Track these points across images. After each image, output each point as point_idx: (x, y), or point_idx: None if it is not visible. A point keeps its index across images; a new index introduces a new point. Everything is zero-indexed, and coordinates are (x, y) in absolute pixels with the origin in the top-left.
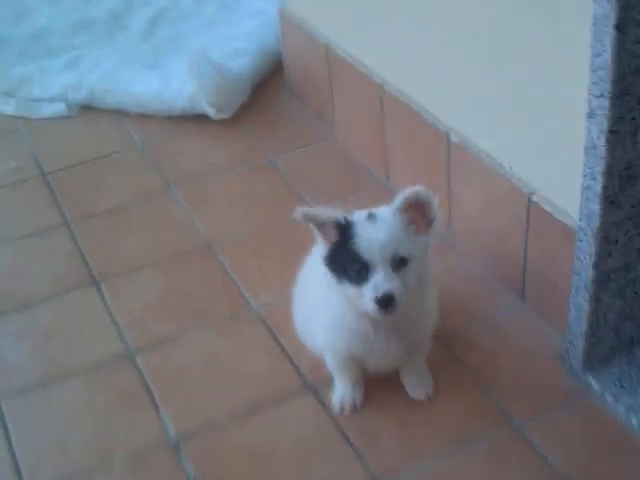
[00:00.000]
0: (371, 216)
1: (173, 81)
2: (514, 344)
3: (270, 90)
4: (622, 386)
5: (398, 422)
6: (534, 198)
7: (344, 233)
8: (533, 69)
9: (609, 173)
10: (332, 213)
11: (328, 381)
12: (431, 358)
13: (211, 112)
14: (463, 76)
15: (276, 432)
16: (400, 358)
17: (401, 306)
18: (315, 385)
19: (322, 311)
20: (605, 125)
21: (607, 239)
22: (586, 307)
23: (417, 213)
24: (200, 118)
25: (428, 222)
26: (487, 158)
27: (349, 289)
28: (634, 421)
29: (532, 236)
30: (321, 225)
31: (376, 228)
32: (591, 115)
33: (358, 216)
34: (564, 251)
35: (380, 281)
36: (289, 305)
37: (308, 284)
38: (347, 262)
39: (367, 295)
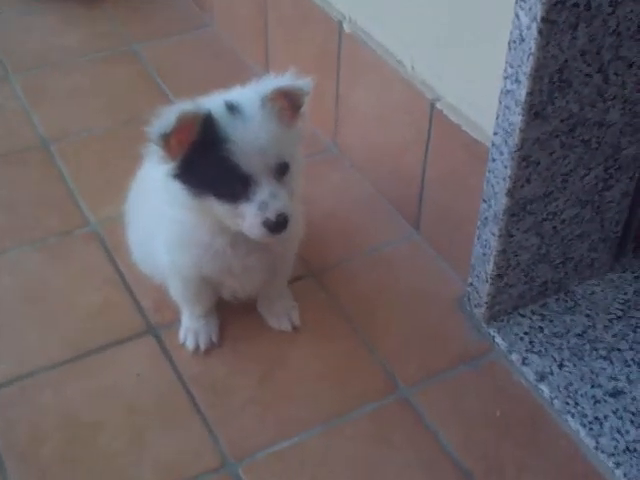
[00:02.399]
0: (233, 108)
1: None
2: (403, 284)
3: None
4: (531, 343)
5: (258, 377)
6: (438, 105)
7: (204, 133)
8: None
9: (538, 75)
10: (185, 109)
11: (175, 325)
12: (300, 296)
13: None
14: None
15: (104, 391)
16: (261, 279)
17: (291, 225)
18: (158, 326)
19: (163, 226)
20: (539, 11)
21: (527, 160)
22: (494, 243)
23: (286, 102)
24: None
25: (296, 108)
26: (385, 54)
27: (217, 207)
28: (544, 389)
29: (433, 152)
30: (173, 132)
31: (249, 127)
32: None
33: (213, 106)
34: (472, 173)
35: (267, 198)
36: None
37: (142, 196)
38: (214, 174)
39: (251, 217)
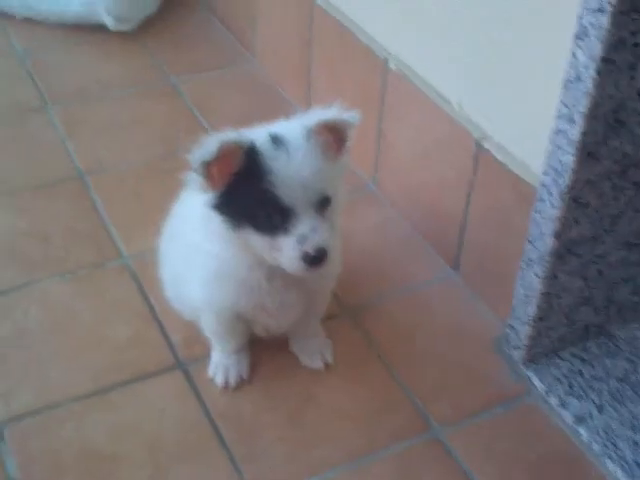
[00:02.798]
0: (277, 140)
1: None
2: (440, 324)
3: (184, 4)
4: (571, 387)
5: (287, 415)
6: (485, 144)
7: (247, 164)
8: None
9: (593, 115)
10: (228, 138)
11: (204, 360)
12: (335, 333)
13: (109, 21)
14: None
15: (127, 425)
16: (296, 316)
17: (331, 261)
18: (187, 362)
19: (199, 260)
20: (599, 50)
21: (577, 201)
22: (537, 285)
23: (332, 136)
24: (96, 28)
25: (341, 142)
26: (431, 92)
27: (255, 239)
28: (583, 433)
29: (477, 192)
30: (215, 161)
31: (292, 159)
32: (581, 36)
33: (257, 138)
34: (517, 213)
35: (308, 232)
36: None
37: (178, 230)
38: (255, 205)
39: (290, 250)
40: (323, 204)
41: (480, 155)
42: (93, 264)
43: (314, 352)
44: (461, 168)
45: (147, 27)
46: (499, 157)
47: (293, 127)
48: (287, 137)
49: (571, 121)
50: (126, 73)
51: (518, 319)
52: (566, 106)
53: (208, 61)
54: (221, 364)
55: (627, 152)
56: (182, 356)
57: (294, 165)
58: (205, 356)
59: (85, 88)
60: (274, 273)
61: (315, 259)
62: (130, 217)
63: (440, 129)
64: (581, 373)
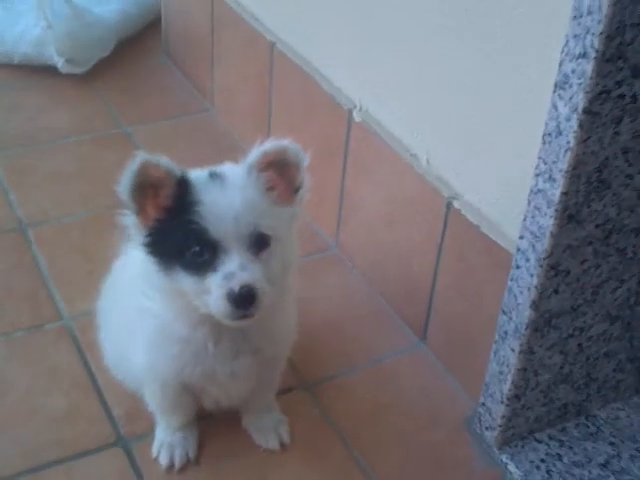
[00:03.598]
0: (215, 175)
1: (17, 19)
2: (406, 401)
3: (141, 50)
4: (549, 473)
5: None
6: (455, 204)
7: (178, 198)
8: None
9: (575, 173)
10: (151, 157)
11: (148, 437)
12: (292, 409)
13: (59, 63)
14: (368, 37)
15: None
16: (248, 388)
17: (263, 306)
18: (129, 439)
19: (138, 323)
20: (581, 101)
21: (556, 268)
22: (513, 360)
23: (277, 176)
24: (46, 70)
25: (292, 189)
26: (397, 146)
27: (185, 281)
28: None
29: (447, 256)
30: (148, 190)
31: (225, 192)
32: (562, 85)
33: (195, 175)
34: (491, 281)
35: (235, 268)
36: None
37: (117, 291)
38: (183, 240)
39: (216, 289)
40: (258, 243)
41: (450, 216)
42: (30, 326)
43: (269, 430)
44: (430, 230)
45: (100, 70)
46: (471, 218)
47: (237, 167)
48: (226, 173)
49: (551, 179)
50: (76, 119)
51: (491, 397)
52: (545, 162)
53: (163, 109)
54: (166, 442)
55: (610, 216)
56: (124, 432)
57: (226, 196)
58: (149, 432)
59: (32, 134)
60: (220, 334)
61: (240, 298)
62: (73, 274)
63: (407, 187)
64: (560, 457)
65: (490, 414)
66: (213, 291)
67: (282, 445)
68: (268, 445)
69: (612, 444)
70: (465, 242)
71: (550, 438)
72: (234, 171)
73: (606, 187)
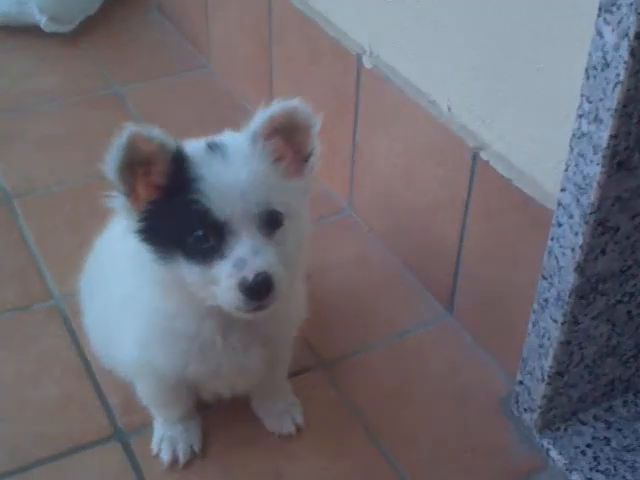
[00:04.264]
0: (215, 146)
1: None
2: (432, 380)
3: (131, 4)
4: (596, 459)
5: None
6: (483, 156)
7: (176, 175)
8: None
9: (626, 112)
10: (140, 129)
11: (148, 429)
12: (307, 392)
13: (42, 21)
14: None
15: None
16: (257, 379)
17: (280, 295)
18: (127, 431)
19: (128, 314)
20: (632, 24)
21: (604, 226)
22: (555, 332)
23: (285, 144)
24: (30, 31)
25: (302, 158)
26: (414, 93)
27: (187, 271)
28: None
29: (475, 215)
30: (140, 167)
31: (229, 165)
32: (608, 7)
33: (192, 147)
34: (527, 242)
35: (246, 253)
36: None
37: (100, 273)
38: (183, 224)
39: (225, 279)
40: (270, 223)
41: (477, 169)
42: (16, 306)
43: (282, 414)
44: (454, 186)
45: (88, 28)
46: (501, 171)
47: (240, 136)
48: (227, 143)
49: (597, 120)
50: (64, 81)
51: (530, 374)
52: (590, 101)
53: (157, 67)
54: (166, 436)
55: None
56: (121, 424)
57: (230, 170)
58: (148, 423)
59: (17, 98)
60: (230, 326)
61: (256, 288)
62: (63, 248)
63: (427, 138)
64: (608, 441)
65: (529, 394)
66: (222, 281)
67: (297, 431)
68: (282, 430)
69: None
70: (495, 198)
71: (596, 419)
72: (236, 140)
73: None
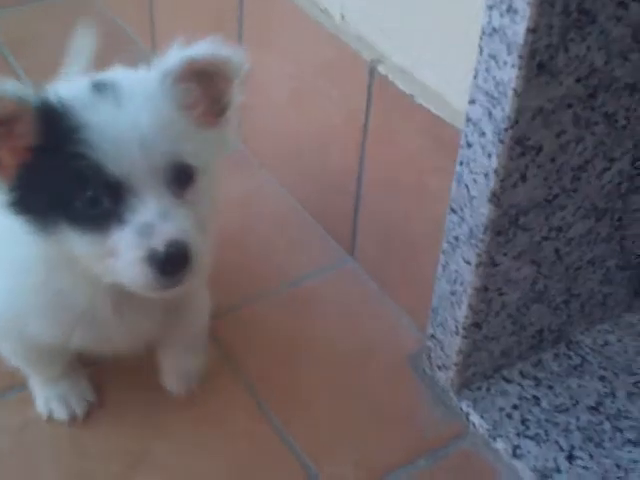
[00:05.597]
0: (103, 86)
1: None
2: (331, 334)
3: None
4: (524, 423)
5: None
6: (381, 69)
7: (47, 129)
8: None
9: (547, 1)
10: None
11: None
12: None
13: None
14: None
15: None
16: (156, 337)
17: (198, 267)
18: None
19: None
20: None
21: (523, 144)
22: (469, 276)
23: (200, 90)
24: None
25: (217, 108)
26: (304, 2)
27: (76, 243)
28: None
29: (374, 140)
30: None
31: (124, 108)
32: None
33: (70, 90)
34: (433, 170)
35: (153, 217)
36: None
37: None
38: (67, 185)
39: (127, 250)
40: (180, 179)
41: (375, 85)
42: None
43: (180, 372)
44: (351, 106)
45: None
46: (402, 86)
47: (138, 73)
48: (121, 82)
49: (511, 11)
50: None
51: (442, 326)
52: None
53: None
54: (52, 395)
55: (596, 64)
56: None
57: (126, 113)
58: (11, 387)
59: None
60: (127, 300)
61: (169, 261)
62: None
63: (318, 53)
64: (537, 401)
65: (442, 348)
66: (123, 253)
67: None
68: (173, 389)
69: (603, 378)
70: (396, 119)
71: (523, 376)
72: (133, 79)
73: (590, 21)
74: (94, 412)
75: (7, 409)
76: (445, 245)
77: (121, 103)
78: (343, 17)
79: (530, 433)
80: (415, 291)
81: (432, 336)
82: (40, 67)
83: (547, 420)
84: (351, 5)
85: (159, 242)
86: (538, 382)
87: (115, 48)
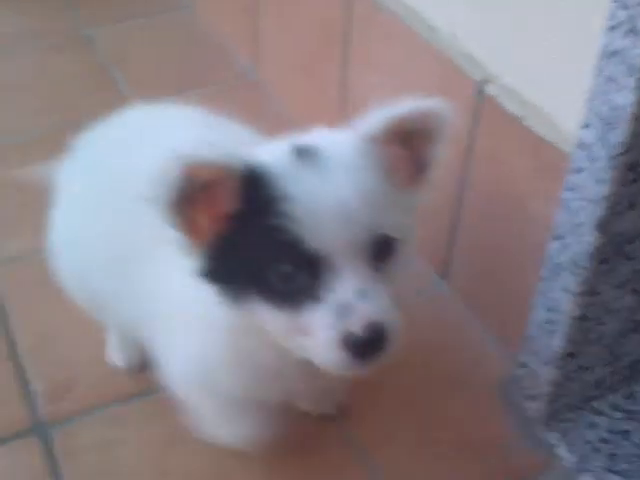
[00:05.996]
0: (305, 153)
1: None
2: (416, 359)
3: None
4: (613, 458)
5: None
6: (489, 90)
7: (248, 196)
8: None
9: None
10: (197, 156)
11: (74, 421)
12: None
13: None
14: None
15: None
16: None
17: (393, 349)
18: (50, 423)
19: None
20: None
21: (636, 171)
22: (569, 305)
23: (402, 149)
24: None
25: (419, 167)
26: (413, 19)
27: (268, 317)
28: None
29: (478, 161)
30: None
31: (328, 178)
32: None
33: (271, 155)
34: (536, 193)
35: (352, 297)
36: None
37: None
38: (264, 257)
39: (323, 330)
40: (382, 252)
41: (483, 106)
42: None
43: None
44: (455, 127)
45: None
46: (510, 107)
47: (339, 136)
48: (322, 147)
49: (633, 33)
50: (26, 23)
51: (535, 355)
52: (626, 7)
53: (132, 7)
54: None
55: None
56: (43, 414)
57: (330, 184)
58: (75, 415)
59: None
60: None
61: (366, 344)
62: (6, 209)
63: (425, 70)
64: (627, 436)
65: (534, 378)
66: (317, 333)
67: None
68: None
69: None
70: (503, 141)
71: (613, 408)
72: (336, 143)
73: None
74: None
75: None
76: (545, 272)
77: (324, 172)
78: (454, 35)
79: (618, 468)
80: (507, 318)
81: (524, 365)
82: (141, 82)
83: (636, 455)
84: (463, 23)
85: (357, 325)
86: (630, 415)
87: (214, 65)
